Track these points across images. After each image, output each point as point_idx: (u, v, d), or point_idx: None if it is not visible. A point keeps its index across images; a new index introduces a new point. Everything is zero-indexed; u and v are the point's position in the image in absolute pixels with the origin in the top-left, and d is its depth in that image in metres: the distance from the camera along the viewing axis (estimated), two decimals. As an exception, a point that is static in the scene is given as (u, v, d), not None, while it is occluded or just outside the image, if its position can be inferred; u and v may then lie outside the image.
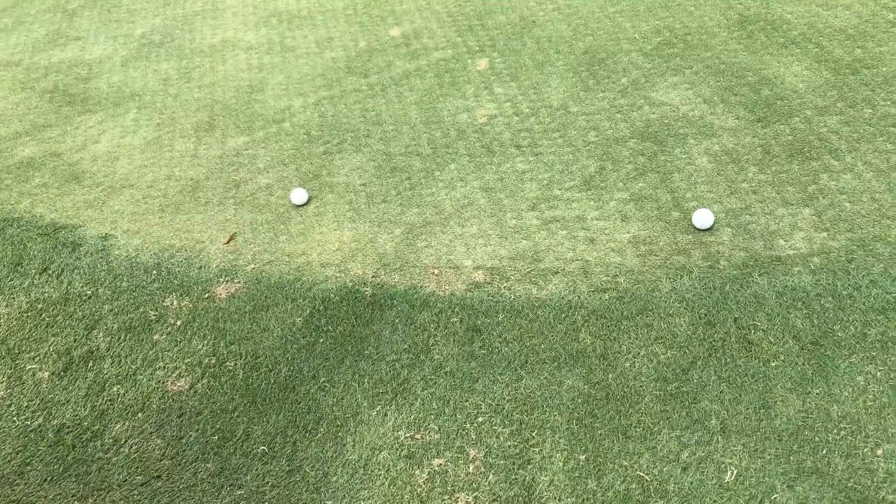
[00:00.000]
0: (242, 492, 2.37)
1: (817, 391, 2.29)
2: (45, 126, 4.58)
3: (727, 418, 2.27)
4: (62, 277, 3.38)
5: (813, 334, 2.47)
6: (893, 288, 2.56)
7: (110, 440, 2.60)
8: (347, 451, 2.40)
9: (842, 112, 3.41)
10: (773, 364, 2.40)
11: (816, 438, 2.17)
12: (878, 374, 2.29)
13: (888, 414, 2.17)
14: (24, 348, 3.04)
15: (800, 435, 2.17)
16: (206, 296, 3.14)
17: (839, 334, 2.45)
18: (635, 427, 2.30)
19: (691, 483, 2.12)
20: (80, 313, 3.16)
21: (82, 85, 4.99)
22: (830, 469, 2.06)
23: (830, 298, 2.57)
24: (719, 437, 2.22)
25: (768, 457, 2.14)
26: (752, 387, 2.35)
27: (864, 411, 2.19)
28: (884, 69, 3.60)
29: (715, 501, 2.07)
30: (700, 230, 2.97)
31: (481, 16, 4.79)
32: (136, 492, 2.43)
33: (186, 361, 2.84)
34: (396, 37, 4.77)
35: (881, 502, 2.03)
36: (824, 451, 2.13)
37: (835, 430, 2.17)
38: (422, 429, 2.43)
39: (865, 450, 2.12)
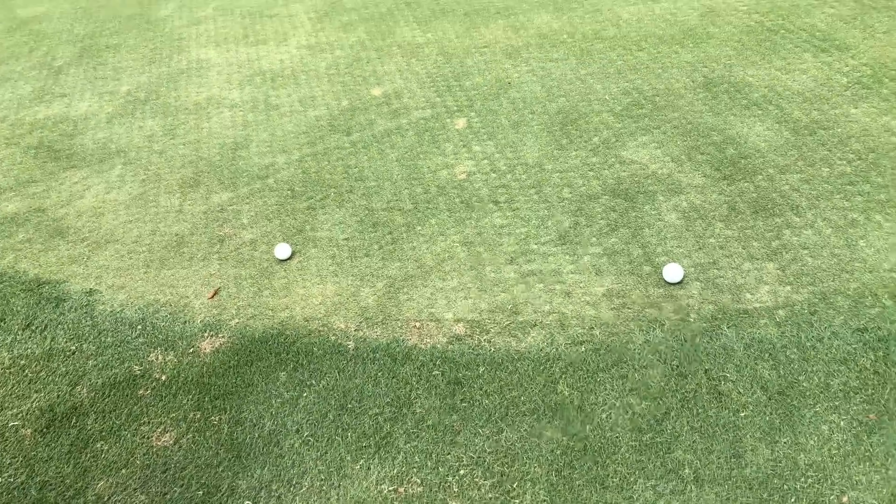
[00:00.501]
0: (227, 547, 2.39)
1: (785, 440, 2.39)
2: (30, 182, 4.65)
3: (700, 468, 2.35)
4: (45, 333, 3.41)
5: (779, 384, 2.58)
6: (853, 339, 2.68)
7: (94, 497, 2.61)
8: (330, 500, 2.44)
9: (802, 170, 3.60)
10: (742, 414, 2.50)
11: (785, 486, 2.26)
12: (842, 422, 2.40)
13: (852, 462, 2.27)
14: (6, 405, 3.06)
15: (769, 483, 2.26)
16: (191, 350, 3.18)
17: (804, 384, 2.56)
18: (612, 477, 2.37)
19: (667, 532, 2.18)
20: (64, 369, 3.19)
21: (67, 141, 5.08)
22: (799, 516, 2.14)
23: (795, 350, 2.69)
24: (693, 487, 2.30)
25: (741, 501, 2.22)
26: (723, 436, 2.44)
27: (829, 459, 2.28)
28: (839, 130, 3.80)
29: (690, 549, 2.14)
30: (670, 284, 3.10)
31: (459, 77, 4.98)
32: (119, 549, 2.45)
33: (171, 416, 2.87)
34: (378, 96, 4.94)
35: (848, 548, 2.11)
36: (793, 499, 2.22)
37: (802, 479, 2.26)
38: (405, 482, 2.48)
39: (832, 497, 2.21)
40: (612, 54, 4.90)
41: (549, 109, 4.44)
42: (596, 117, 4.29)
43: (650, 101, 4.34)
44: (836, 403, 2.47)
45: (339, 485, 2.47)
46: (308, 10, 6.46)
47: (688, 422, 2.51)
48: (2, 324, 3.50)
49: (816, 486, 2.21)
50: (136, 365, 3.14)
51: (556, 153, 4.05)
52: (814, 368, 2.62)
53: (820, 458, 2.30)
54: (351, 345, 3.07)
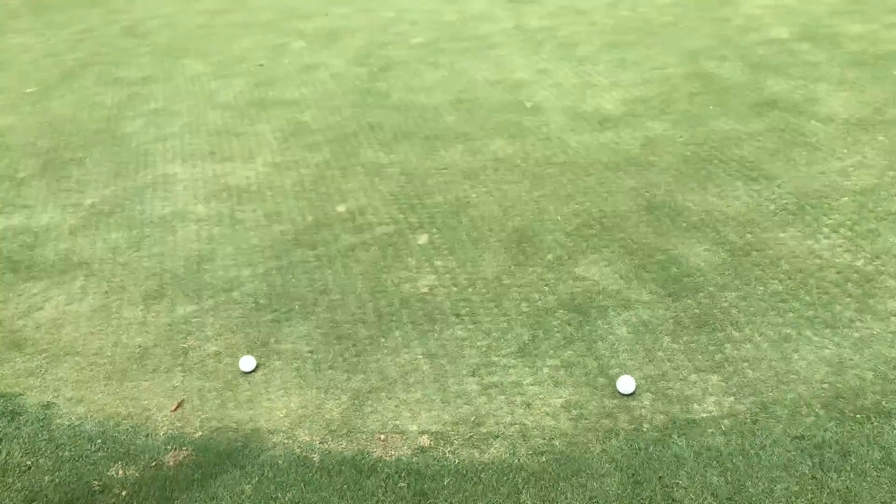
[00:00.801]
0: None
1: (737, 546, 2.50)
2: (-11, 292, 4.64)
3: (659, 575, 2.44)
4: (0, 448, 3.35)
5: (728, 491, 2.72)
6: (792, 447, 2.87)
7: None
8: None
9: (739, 288, 3.88)
10: (696, 521, 2.62)
11: (740, 592, 2.35)
12: (789, 528, 2.53)
13: (800, 566, 2.38)
14: (-44, 522, 2.97)
15: (725, 589, 2.35)
16: (154, 464, 3.17)
17: (750, 490, 2.71)
18: (576, 586, 2.43)
19: None
20: (19, 485, 3.13)
21: (28, 252, 5.11)
22: None
23: (741, 457, 2.85)
24: None
25: None
26: (679, 544, 2.54)
27: (779, 564, 2.40)
28: (770, 252, 4.14)
29: None
30: (624, 395, 3.26)
31: (421, 196, 5.26)
32: None
33: (132, 532, 2.84)
34: (342, 212, 5.16)
35: None
36: None
37: (755, 584, 2.36)
38: None
39: None
40: (562, 178, 5.26)
41: (506, 227, 4.71)
42: (549, 236, 4.56)
43: (598, 222, 4.65)
44: (783, 510, 2.61)
45: None
46: (274, 129, 6.77)
47: (646, 530, 2.60)
48: (-45, 437, 3.43)
49: (769, 592, 2.31)
50: (95, 480, 3.11)
51: (513, 269, 4.28)
52: (758, 475, 2.77)
53: (771, 564, 2.41)
54: (316, 457, 3.11)
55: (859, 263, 3.97)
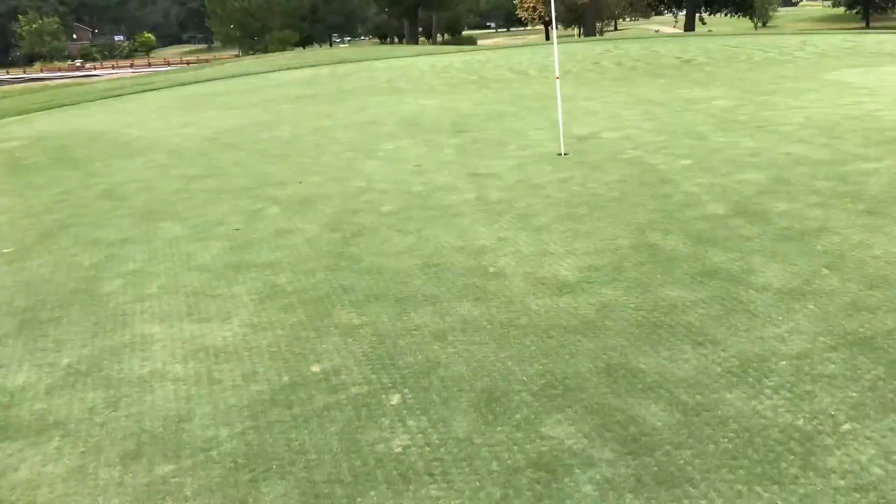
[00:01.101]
0: None
1: None
2: (-37, 452, 4.67)
3: None
4: None
5: None
6: None
7: None
8: None
9: (692, 447, 4.18)
10: None
11: None
12: None
13: None
14: None
15: None
16: None
17: None
18: None
19: None
20: None
21: (2, 412, 5.17)
22: None
23: None
24: None
25: None
26: None
27: None
28: (719, 412, 4.49)
29: None
30: (592, 551, 3.44)
31: (392, 356, 5.56)
32: None
33: None
34: (317, 372, 5.40)
35: None
36: None
37: None
38: None
39: None
40: (525, 340, 5.64)
41: (475, 387, 4.99)
42: (516, 396, 4.86)
43: (562, 382, 4.98)
44: None
45: None
46: (250, 291, 7.09)
47: None
48: None
49: None
50: None
51: (483, 428, 4.52)
52: None
53: None
54: None
55: (799, 423, 4.33)
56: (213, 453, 4.49)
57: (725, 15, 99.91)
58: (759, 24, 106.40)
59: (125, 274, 7.92)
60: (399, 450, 4.38)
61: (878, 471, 3.86)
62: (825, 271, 6.49)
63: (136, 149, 16.54)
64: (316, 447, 4.47)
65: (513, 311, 6.24)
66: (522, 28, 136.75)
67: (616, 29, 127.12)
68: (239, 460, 4.40)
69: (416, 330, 6.01)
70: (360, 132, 16.55)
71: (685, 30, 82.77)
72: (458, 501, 3.88)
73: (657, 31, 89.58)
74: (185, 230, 9.50)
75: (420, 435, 4.51)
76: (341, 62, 39.93)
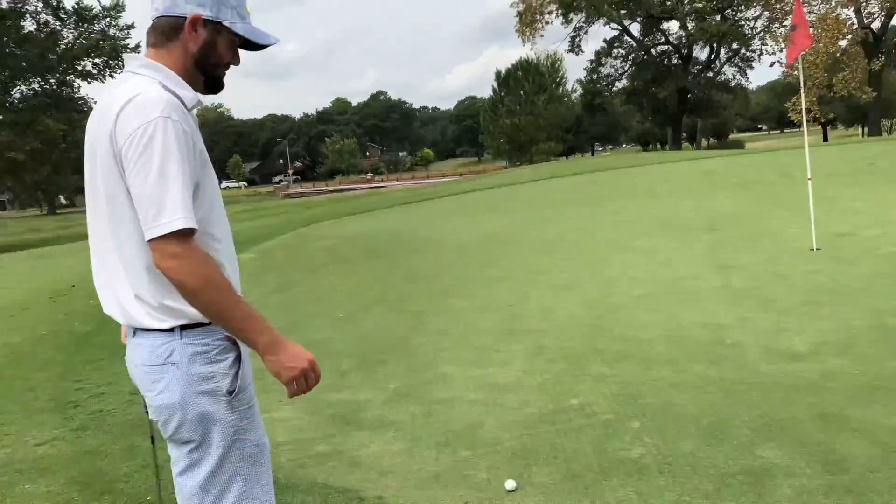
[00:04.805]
0: None
1: None
2: (332, 435, 6.93)
3: None
4: (358, 511, 5.32)
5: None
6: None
7: (400, 589, 4.27)
8: None
9: (884, 472, 5.01)
10: None
11: None
12: None
13: None
14: (338, 543, 4.89)
15: None
16: (453, 528, 4.93)
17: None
18: None
19: None
20: (372, 529, 5.02)
21: (355, 415, 7.43)
22: None
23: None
24: None
25: None
26: None
27: None
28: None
29: None
30: (782, 526, 4.52)
31: (634, 397, 6.93)
32: None
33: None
34: (575, 404, 6.95)
35: None
36: None
37: None
38: None
39: None
40: (752, 393, 6.68)
41: (702, 422, 6.18)
42: (737, 430, 5.95)
43: (778, 423, 5.96)
44: None
45: None
46: (523, 348, 8.89)
47: None
48: None
49: None
50: (418, 531, 4.93)
51: (705, 447, 5.69)
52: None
53: None
54: (558, 536, 4.70)
55: None
56: (498, 447, 6.23)
57: None
58: None
59: (428, 333, 10.24)
60: (637, 455, 5.75)
61: None
62: None
63: (427, 245, 19.77)
64: (573, 449, 6.00)
65: (743, 372, 7.29)
66: (796, 129, 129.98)
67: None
68: (517, 453, 6.08)
69: (656, 380, 7.33)
70: (617, 230, 18.15)
71: None
72: (679, 489, 5.16)
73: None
74: (471, 304, 11.75)
75: (654, 447, 5.85)
76: (602, 170, 42.18)
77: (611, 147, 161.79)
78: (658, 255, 14.27)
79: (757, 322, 8.87)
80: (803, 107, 14.71)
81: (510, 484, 5.47)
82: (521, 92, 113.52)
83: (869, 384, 6.55)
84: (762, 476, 5.19)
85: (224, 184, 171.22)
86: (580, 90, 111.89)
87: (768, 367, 7.32)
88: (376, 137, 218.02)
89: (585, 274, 13.22)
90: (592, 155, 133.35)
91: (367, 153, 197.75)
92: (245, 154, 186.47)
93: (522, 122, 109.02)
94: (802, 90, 14.04)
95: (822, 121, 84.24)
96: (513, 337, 9.57)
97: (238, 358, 2.73)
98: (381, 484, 5.81)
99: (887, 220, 14.95)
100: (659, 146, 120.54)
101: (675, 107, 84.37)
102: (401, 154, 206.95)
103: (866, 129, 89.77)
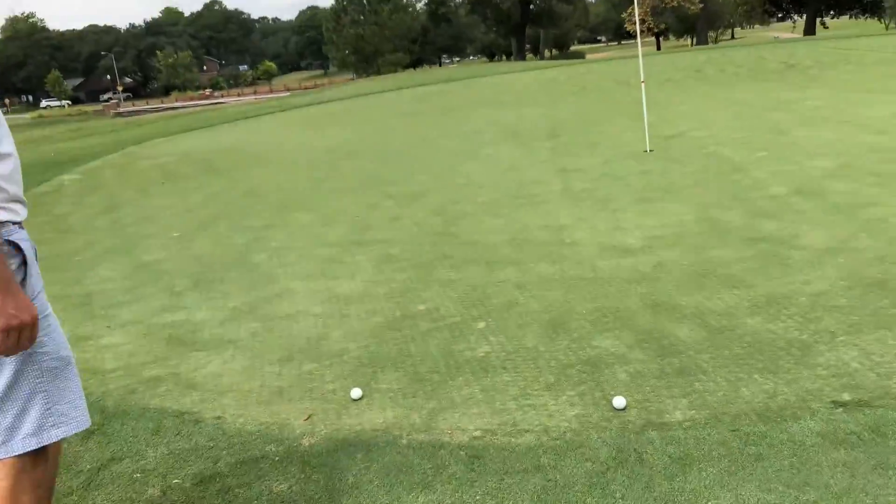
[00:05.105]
0: (328, 532, 3.78)
1: (678, 479, 3.85)
2: (166, 358, 6.46)
3: (626, 492, 3.80)
4: (191, 437, 4.98)
5: (680, 454, 4.07)
6: (729, 434, 4.21)
7: (238, 511, 4.03)
8: (394, 511, 3.86)
9: (710, 352, 5.33)
10: (653, 468, 3.98)
11: (676, 499, 3.69)
12: (714, 471, 3.88)
13: (714, 485, 3.73)
14: (167, 474, 4.55)
15: (667, 498, 3.70)
16: (295, 444, 4.72)
17: (694, 454, 4.06)
18: (571, 498, 3.81)
19: (602, 519, 3.61)
20: (207, 455, 4.71)
21: (192, 335, 6.95)
22: (685, 517, 3.57)
23: (692, 440, 4.21)
24: (620, 501, 3.74)
25: (647, 505, 3.66)
26: (641, 478, 3.90)
27: (703, 486, 3.75)
28: (738, 331, 5.60)
29: (615, 527, 3.55)
30: (617, 410, 4.69)
31: (481, 299, 6.95)
32: (259, 533, 3.83)
33: (284, 475, 4.36)
34: (422, 310, 6.88)
35: (713, 532, 3.49)
36: (681, 499, 3.64)
37: (683, 495, 3.70)
38: (439, 503, 3.92)
39: (708, 503, 3.63)
40: (589, 288, 6.89)
41: (543, 319, 6.31)
42: (576, 323, 6.13)
43: (613, 314, 6.21)
44: (713, 462, 3.95)
45: (399, 505, 3.91)
46: (370, 259, 8.69)
47: (620, 472, 3.96)
48: (158, 433, 5.08)
49: (693, 499, 3.64)
50: (257, 452, 4.67)
51: (547, 342, 5.83)
52: (702, 446, 4.10)
53: (698, 486, 3.74)
54: (404, 440, 4.60)
55: (803, 337, 5.39)
56: (345, 357, 6.03)
57: (852, 17, 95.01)
58: (892, 26, 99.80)
59: (270, 249, 9.75)
60: (482, 354, 5.76)
61: (856, 365, 4.89)
62: (863, 234, 7.35)
63: (268, 159, 18.85)
64: (420, 353, 5.92)
65: (582, 269, 7.49)
66: (633, 41, 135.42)
67: (733, 37, 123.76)
68: (364, 361, 5.92)
69: (501, 282, 7.38)
70: (463, 140, 18.14)
71: (805, 34, 79.65)
72: (522, 383, 5.22)
73: (776, 37, 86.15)
74: (316, 217, 11.32)
75: (498, 345, 5.88)
76: (448, 80, 41.94)
77: (457, 59, 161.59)
78: (503, 162, 14.39)
79: (594, 221, 9.14)
80: (637, 17, 15.02)
81: (356, 392, 5.31)
82: (365, 1, 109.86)
83: (696, 273, 6.91)
84: (599, 364, 5.35)
85: (44, 102, 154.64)
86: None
87: (604, 262, 7.55)
88: (213, 50, 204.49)
89: (433, 183, 13.10)
90: (440, 66, 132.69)
91: (205, 67, 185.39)
92: (66, 70, 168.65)
93: (367, 33, 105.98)
94: (636, 1, 14.32)
95: (655, 31, 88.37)
96: (359, 248, 9.31)
97: (24, 263, 2.32)
98: (219, 404, 5.47)
99: (712, 122, 15.90)
100: (504, 57, 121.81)
101: (517, 17, 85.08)
102: (241, 68, 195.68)
103: (695, 39, 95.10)
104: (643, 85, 14.14)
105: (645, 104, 13.95)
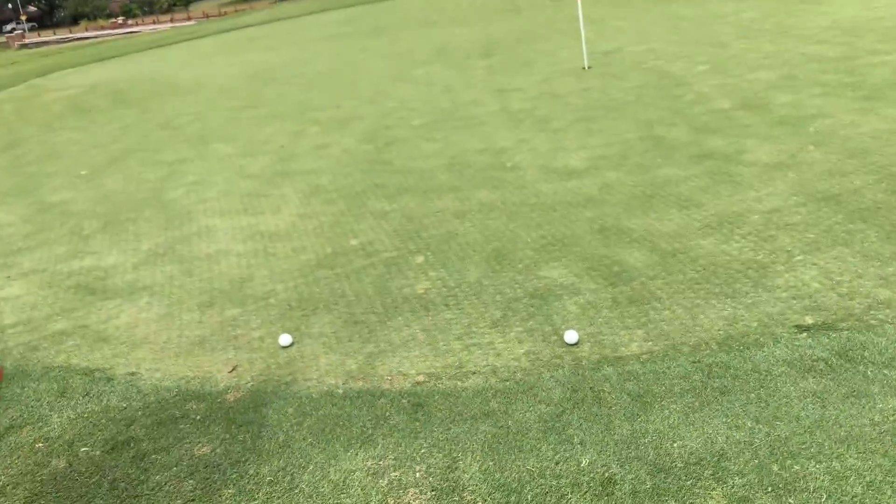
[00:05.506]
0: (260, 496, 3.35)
1: (640, 419, 3.54)
2: (73, 309, 5.80)
3: (584, 437, 3.47)
4: (101, 398, 4.42)
5: (639, 391, 3.76)
6: (690, 367, 3.92)
7: (152, 484, 3.55)
8: (331, 474, 3.45)
9: (664, 278, 5.01)
10: (612, 408, 3.67)
11: (638, 442, 3.38)
12: (677, 408, 3.58)
13: (679, 424, 3.43)
14: (77, 442, 4.01)
15: (630, 442, 3.39)
16: (218, 401, 4.23)
17: (655, 390, 3.75)
18: (525, 447, 3.46)
19: (559, 469, 3.27)
20: (119, 417, 4.18)
21: (101, 282, 6.29)
22: (642, 452, 3.26)
23: (651, 374, 3.91)
24: (579, 447, 3.41)
25: (609, 451, 3.34)
26: (600, 420, 3.58)
27: (667, 427, 3.44)
28: (692, 254, 5.29)
29: (575, 477, 3.22)
30: (570, 345, 4.34)
31: (418, 231, 6.47)
32: (176, 508, 3.37)
33: (207, 437, 3.87)
34: (355, 245, 6.36)
35: (671, 467, 3.19)
36: (642, 449, 3.33)
37: (648, 437, 3.39)
38: (382, 459, 3.52)
39: (672, 445, 3.33)
40: (533, 214, 6.48)
41: (486, 249, 5.88)
42: (521, 252, 5.73)
43: (560, 241, 5.83)
44: (675, 398, 3.66)
45: (336, 463, 3.50)
46: (297, 191, 8.07)
47: (577, 414, 3.64)
48: (65, 394, 4.51)
49: (658, 440, 3.35)
50: (175, 410, 4.17)
51: (491, 275, 5.42)
52: (662, 381, 3.81)
53: (661, 427, 3.45)
54: (340, 390, 4.18)
55: (759, 257, 5.11)
56: (272, 300, 5.51)
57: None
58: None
59: (187, 184, 8.98)
60: (422, 291, 5.32)
61: (816, 285, 4.64)
62: (811, 147, 7.12)
63: (185, 88, 17.60)
64: (355, 292, 5.44)
65: (524, 194, 7.06)
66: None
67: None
68: (292, 304, 5.40)
69: (439, 212, 6.90)
70: (393, 61, 17.25)
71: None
72: (466, 320, 4.81)
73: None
74: (236, 149, 10.52)
75: (439, 281, 5.44)
76: (375, 1, 40.17)
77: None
78: (436, 83, 13.69)
79: (535, 143, 8.68)
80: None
81: (285, 339, 4.82)
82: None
83: (643, 194, 6.57)
84: (548, 297, 4.98)
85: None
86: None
87: (548, 186, 7.15)
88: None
89: (362, 108, 12.35)
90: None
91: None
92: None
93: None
94: None
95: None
96: (284, 179, 8.64)
97: None
98: (133, 358, 4.91)
99: (650, 37, 15.44)
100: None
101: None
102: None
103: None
104: (579, 1, 13.52)
105: (581, 20, 13.36)
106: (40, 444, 4.08)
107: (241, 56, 23.11)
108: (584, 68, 12.87)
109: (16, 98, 19.30)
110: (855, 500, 2.84)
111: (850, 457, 3.08)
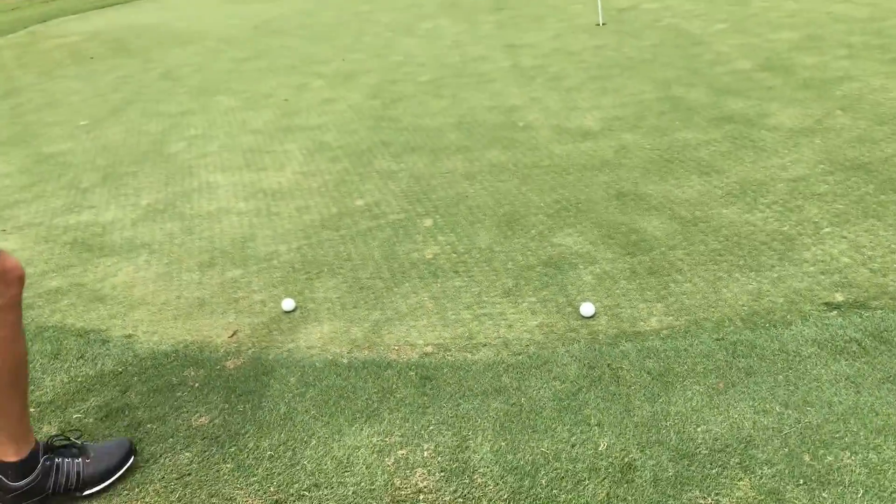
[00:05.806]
0: (256, 477, 3.19)
1: (661, 400, 3.36)
2: (69, 266, 5.60)
3: (602, 418, 3.29)
4: (96, 361, 4.24)
5: (660, 370, 3.57)
6: (714, 344, 3.72)
7: (147, 455, 3.39)
8: (334, 450, 3.28)
9: (685, 248, 4.79)
10: (632, 387, 3.48)
11: (659, 426, 3.20)
12: (700, 389, 3.39)
13: (705, 410, 3.24)
14: (69, 407, 3.84)
15: (650, 423, 3.21)
16: (217, 368, 4.06)
17: (677, 369, 3.57)
18: (540, 426, 3.29)
19: (576, 453, 3.10)
20: (114, 382, 4.01)
21: (98, 238, 6.08)
22: (663, 437, 3.08)
23: (672, 351, 3.72)
24: (596, 429, 3.23)
25: (628, 434, 3.16)
26: (618, 400, 3.40)
27: (690, 410, 3.25)
28: (713, 223, 5.06)
29: (592, 462, 3.04)
30: (585, 318, 4.14)
31: (426, 192, 6.23)
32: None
33: (205, 406, 3.71)
34: (361, 205, 6.13)
35: (695, 453, 3.02)
36: (664, 432, 3.15)
37: (671, 420, 3.21)
38: (388, 435, 3.35)
39: (694, 429, 3.15)
40: (546, 177, 6.22)
41: (498, 213, 5.65)
42: (533, 217, 5.50)
43: (575, 206, 5.59)
44: (699, 378, 3.47)
45: (340, 439, 3.33)
46: (300, 147, 7.80)
47: (594, 393, 3.46)
48: (58, 356, 4.34)
49: (680, 423, 3.17)
50: (173, 377, 3.99)
51: (502, 240, 5.20)
52: (684, 360, 3.63)
53: (683, 409, 3.27)
54: (345, 360, 3.99)
55: (785, 229, 4.88)
56: (275, 262, 5.30)
57: None
58: None
59: (189, 138, 8.71)
60: (430, 256, 5.11)
61: (846, 259, 4.42)
62: (839, 112, 6.81)
63: (187, 38, 17.14)
64: (360, 256, 5.23)
65: (537, 155, 6.80)
66: None
67: None
68: (296, 265, 5.20)
69: (448, 173, 6.64)
70: (400, 13, 16.75)
71: None
72: (477, 289, 4.61)
73: None
74: (239, 102, 10.20)
75: (448, 246, 5.22)
76: (385, -50, 39.09)
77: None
78: (444, 37, 13.26)
79: (547, 101, 8.37)
80: None
81: (288, 303, 4.63)
82: None
83: (662, 158, 6.30)
84: (562, 265, 4.77)
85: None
86: None
87: (561, 147, 6.87)
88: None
89: (368, 61, 11.98)
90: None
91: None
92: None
93: None
94: None
95: None
96: (288, 135, 8.36)
97: None
98: (130, 319, 4.73)
99: (665, -6, 14.92)
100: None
101: None
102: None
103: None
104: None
105: (598, -27, 12.88)
106: (31, 409, 3.92)
107: (244, 6, 22.50)
108: (598, 24, 12.44)
109: (15, 44, 18.86)
110: (894, 496, 2.66)
111: (888, 448, 2.89)
